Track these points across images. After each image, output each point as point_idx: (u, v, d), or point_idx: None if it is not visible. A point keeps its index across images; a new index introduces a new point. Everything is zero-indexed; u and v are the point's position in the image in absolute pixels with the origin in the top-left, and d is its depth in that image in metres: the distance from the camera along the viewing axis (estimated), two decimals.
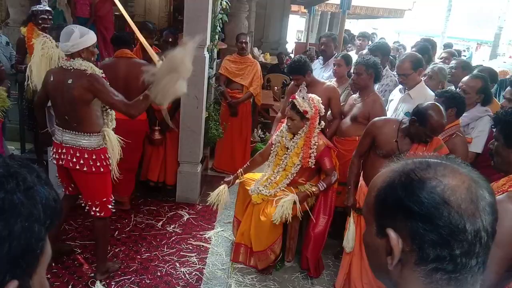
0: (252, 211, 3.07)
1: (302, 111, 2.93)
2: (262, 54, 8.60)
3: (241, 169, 3.28)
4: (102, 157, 2.68)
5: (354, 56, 4.39)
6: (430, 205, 0.63)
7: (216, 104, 4.63)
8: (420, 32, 18.88)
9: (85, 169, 2.63)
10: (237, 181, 3.25)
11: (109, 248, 3.18)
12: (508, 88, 3.08)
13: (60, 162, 2.68)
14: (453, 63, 4.02)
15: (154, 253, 3.21)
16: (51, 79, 2.64)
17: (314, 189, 2.99)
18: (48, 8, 4.22)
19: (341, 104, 3.67)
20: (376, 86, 3.56)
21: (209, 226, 3.70)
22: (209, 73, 4.06)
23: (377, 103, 3.23)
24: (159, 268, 3.03)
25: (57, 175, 2.86)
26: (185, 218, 3.79)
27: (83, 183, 2.72)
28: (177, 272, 3.01)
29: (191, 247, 3.35)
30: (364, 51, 4.49)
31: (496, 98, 3.91)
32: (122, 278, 2.89)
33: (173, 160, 4.10)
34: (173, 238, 3.44)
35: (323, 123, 3.09)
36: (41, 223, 0.61)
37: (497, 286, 1.40)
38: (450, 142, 2.61)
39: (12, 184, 0.59)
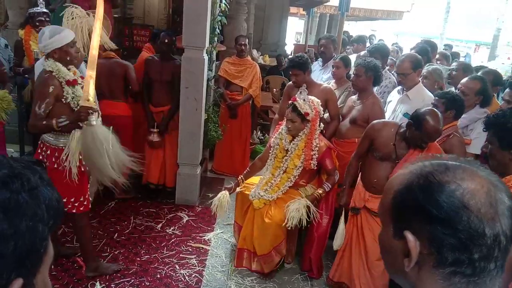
0: (253, 215, 3.06)
1: (303, 113, 2.92)
2: (261, 56, 8.61)
3: (242, 176, 3.26)
4: (58, 155, 2.65)
5: (353, 58, 4.40)
6: (450, 209, 0.63)
7: (215, 106, 4.64)
8: (419, 34, 18.94)
9: (47, 164, 2.65)
10: (238, 189, 3.22)
11: (108, 250, 3.19)
12: (507, 90, 3.08)
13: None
14: (454, 65, 4.03)
15: (154, 255, 3.20)
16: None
17: (321, 191, 2.99)
18: (45, 10, 4.22)
19: (340, 106, 3.68)
20: (375, 88, 3.56)
21: (209, 228, 3.69)
22: (208, 75, 4.07)
23: (377, 105, 3.24)
24: (159, 270, 3.03)
25: None
26: (184, 220, 3.78)
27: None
28: (177, 274, 3.01)
29: (190, 249, 3.35)
30: (362, 53, 4.49)
31: (497, 99, 3.90)
32: (121, 280, 2.88)
33: (173, 162, 4.10)
34: (172, 240, 3.44)
35: (322, 124, 3.09)
36: (45, 223, 0.62)
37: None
38: (448, 142, 2.62)
39: (17, 184, 0.60)
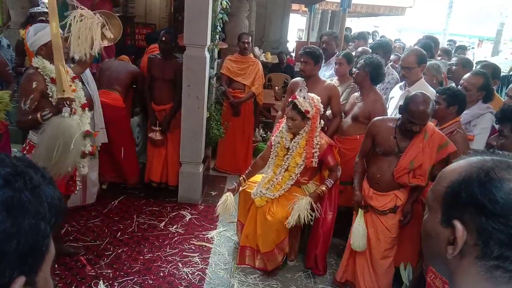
0: (256, 213, 3.06)
1: (303, 111, 2.91)
2: (263, 54, 8.58)
3: (244, 176, 3.25)
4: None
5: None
6: (506, 206, 0.64)
7: (217, 104, 4.63)
8: (422, 30, 18.83)
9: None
10: (240, 187, 3.22)
11: (111, 249, 3.20)
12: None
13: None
14: (453, 60, 4.01)
15: (157, 253, 3.21)
16: None
17: (323, 188, 2.99)
18: (46, 10, 4.22)
19: (343, 103, 3.66)
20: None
21: (211, 226, 3.70)
22: (210, 73, 4.06)
23: (378, 102, 3.23)
24: (162, 269, 3.04)
25: None
26: (187, 218, 3.79)
27: None
28: (180, 273, 3.02)
29: (193, 247, 3.35)
30: (360, 49, 4.47)
31: (498, 94, 3.88)
32: (125, 279, 2.89)
33: (175, 160, 4.10)
34: (175, 239, 3.44)
35: (322, 121, 3.08)
36: (47, 221, 0.62)
37: None
38: (451, 139, 2.60)
39: (19, 183, 0.60)
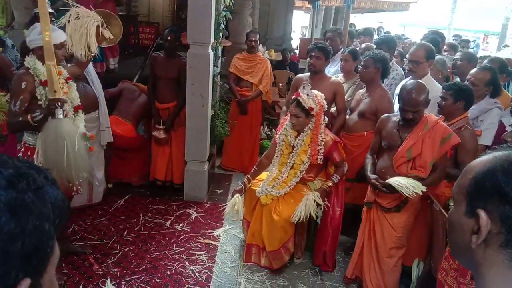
0: (262, 211, 3.05)
1: (307, 108, 2.90)
2: (267, 51, 8.56)
3: (249, 175, 3.24)
4: (31, 154, 2.67)
5: None
6: None
7: (222, 102, 4.62)
8: (426, 25, 18.71)
9: None
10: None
11: (118, 248, 3.21)
12: None
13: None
14: (458, 55, 3.97)
15: (163, 252, 3.21)
16: None
17: (330, 184, 2.98)
18: (51, 10, 4.22)
19: (348, 100, 3.64)
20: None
21: (218, 224, 3.70)
22: (214, 71, 4.05)
23: (385, 98, 3.20)
24: (169, 267, 3.04)
25: None
26: (193, 217, 3.79)
27: None
28: (187, 271, 3.02)
29: (200, 246, 3.35)
30: (363, 45, 4.45)
31: (505, 89, 3.84)
32: (132, 277, 2.90)
33: (180, 158, 4.11)
34: (182, 237, 3.45)
35: (326, 118, 3.07)
36: (51, 222, 0.62)
37: None
38: (459, 135, 2.57)
39: (22, 184, 0.60)
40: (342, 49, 4.35)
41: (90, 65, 3.73)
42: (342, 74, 3.91)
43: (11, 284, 0.57)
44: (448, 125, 2.61)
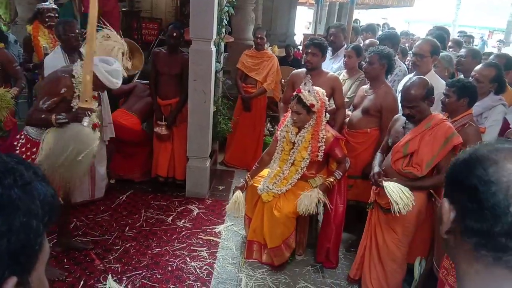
0: (263, 208, 3.05)
1: (308, 104, 2.88)
2: (270, 47, 8.52)
3: (249, 174, 3.23)
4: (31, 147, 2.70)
5: None
6: (479, 182, 0.66)
7: (224, 98, 4.61)
8: (431, 21, 18.55)
9: (17, 149, 2.71)
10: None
11: (120, 244, 3.21)
12: None
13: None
14: (462, 51, 3.93)
15: (165, 248, 3.21)
16: None
17: (332, 179, 2.96)
18: (54, 6, 4.22)
19: (352, 96, 3.62)
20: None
21: (219, 221, 3.69)
22: (216, 67, 4.04)
23: (390, 94, 3.16)
24: (170, 263, 3.04)
25: None
26: (195, 213, 3.79)
27: None
28: (188, 267, 3.02)
29: (201, 242, 3.35)
30: (367, 41, 4.41)
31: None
32: (133, 273, 2.90)
33: (182, 155, 4.10)
34: (183, 233, 3.44)
35: (328, 115, 3.05)
36: (40, 219, 0.60)
37: None
38: (463, 132, 2.55)
39: (9, 179, 0.58)
40: (345, 45, 4.31)
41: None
42: (346, 70, 3.89)
43: None
44: (452, 122, 2.57)
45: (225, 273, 3.01)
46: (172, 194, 4.11)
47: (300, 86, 2.93)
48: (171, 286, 2.81)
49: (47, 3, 4.18)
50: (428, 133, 2.45)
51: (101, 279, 2.81)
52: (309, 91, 2.88)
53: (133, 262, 3.02)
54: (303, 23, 18.58)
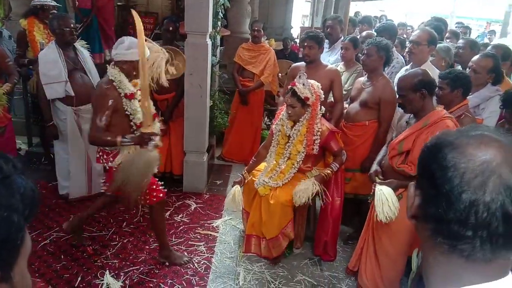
0: (261, 202, 3.04)
1: (303, 97, 2.86)
2: (267, 40, 8.47)
3: (247, 168, 3.23)
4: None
5: None
6: (437, 166, 0.66)
7: (221, 92, 4.58)
8: (429, 13, 18.47)
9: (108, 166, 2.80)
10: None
11: (117, 239, 3.20)
12: None
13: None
14: (460, 42, 3.91)
15: None
16: None
17: (328, 171, 2.95)
18: (54, 3, 4.20)
19: (349, 89, 3.60)
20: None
21: (217, 215, 3.68)
22: (212, 60, 4.00)
23: (388, 87, 3.12)
24: None
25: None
26: (192, 208, 3.78)
27: None
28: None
29: (199, 236, 3.35)
30: (364, 33, 4.38)
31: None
32: (131, 268, 2.89)
33: (179, 150, 4.08)
34: (181, 228, 3.44)
35: (323, 108, 3.03)
36: (20, 213, 0.59)
37: None
38: (459, 123, 2.53)
39: None
40: (342, 37, 4.28)
41: (87, 55, 3.70)
42: (343, 62, 3.86)
43: None
44: None
45: (223, 267, 3.01)
46: (169, 189, 4.05)
47: (295, 80, 2.91)
48: (169, 281, 2.80)
49: (48, 0, 4.14)
50: (425, 132, 2.37)
51: (98, 275, 2.81)
52: (303, 84, 2.86)
53: (130, 257, 3.01)
54: (300, 16, 18.49)
